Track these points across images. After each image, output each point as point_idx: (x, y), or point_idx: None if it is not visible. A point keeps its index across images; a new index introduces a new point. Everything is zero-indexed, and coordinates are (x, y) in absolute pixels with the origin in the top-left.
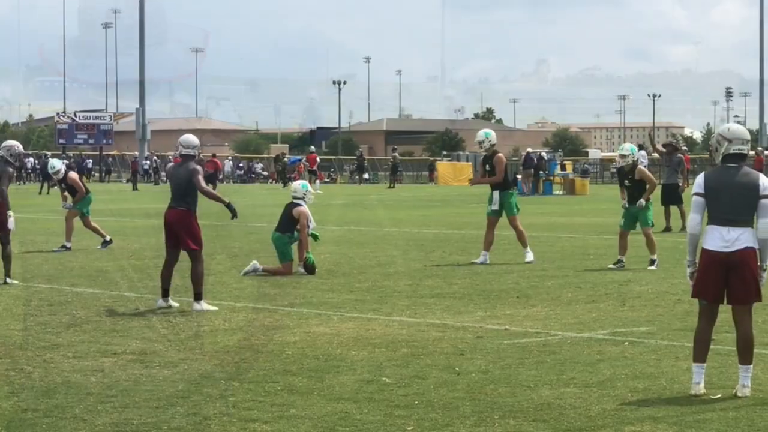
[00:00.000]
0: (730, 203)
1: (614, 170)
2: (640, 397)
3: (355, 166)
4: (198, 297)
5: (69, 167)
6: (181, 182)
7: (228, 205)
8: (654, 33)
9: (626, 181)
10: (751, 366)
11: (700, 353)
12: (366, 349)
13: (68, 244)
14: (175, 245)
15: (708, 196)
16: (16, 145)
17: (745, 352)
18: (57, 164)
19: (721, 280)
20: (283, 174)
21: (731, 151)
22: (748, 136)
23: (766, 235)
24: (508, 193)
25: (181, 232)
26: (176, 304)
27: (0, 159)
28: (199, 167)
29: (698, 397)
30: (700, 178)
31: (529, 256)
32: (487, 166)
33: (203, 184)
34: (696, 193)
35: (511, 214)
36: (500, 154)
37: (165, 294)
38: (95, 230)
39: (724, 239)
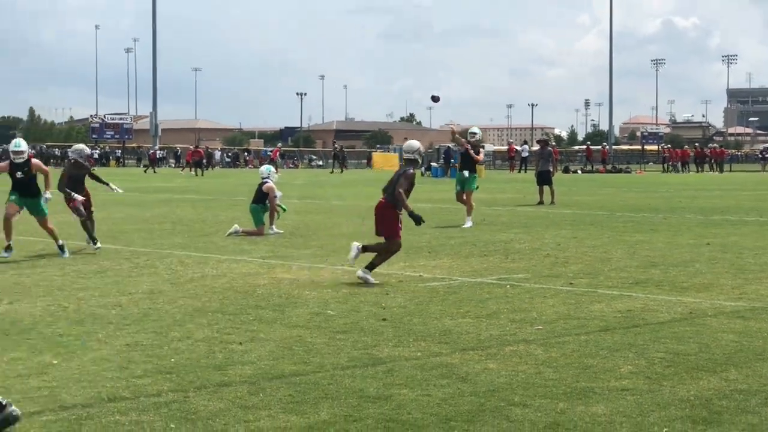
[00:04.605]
0: None
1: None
2: (517, 326)
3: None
4: (370, 267)
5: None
6: (392, 179)
7: (411, 214)
8: (532, 59)
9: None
10: None
11: None
12: (316, 289)
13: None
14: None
15: None
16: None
17: None
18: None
19: None
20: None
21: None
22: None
23: None
24: (474, 176)
25: (377, 218)
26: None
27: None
28: (410, 172)
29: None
30: None
31: (468, 224)
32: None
33: (401, 189)
34: None
35: (469, 188)
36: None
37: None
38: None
39: None
